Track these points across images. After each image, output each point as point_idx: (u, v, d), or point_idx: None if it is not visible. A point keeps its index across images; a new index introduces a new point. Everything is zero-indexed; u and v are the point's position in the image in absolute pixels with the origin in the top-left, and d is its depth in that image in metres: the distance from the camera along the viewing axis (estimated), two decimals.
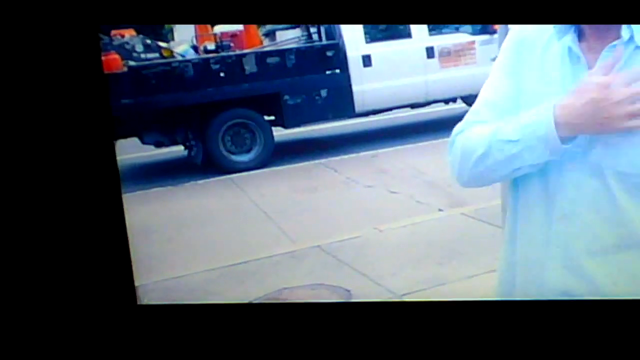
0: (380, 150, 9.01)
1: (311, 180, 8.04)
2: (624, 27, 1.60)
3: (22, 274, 2.15)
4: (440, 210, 6.47)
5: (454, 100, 10.39)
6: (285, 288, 5.09)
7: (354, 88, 9.62)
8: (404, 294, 4.82)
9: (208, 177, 8.77)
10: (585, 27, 1.67)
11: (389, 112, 10.26)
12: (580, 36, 1.68)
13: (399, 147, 8.99)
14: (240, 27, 10.20)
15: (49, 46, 1.98)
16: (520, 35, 1.81)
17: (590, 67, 1.63)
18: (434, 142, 8.60)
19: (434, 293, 4.77)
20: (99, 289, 2.13)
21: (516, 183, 1.77)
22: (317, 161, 8.93)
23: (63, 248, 2.13)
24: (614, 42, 1.61)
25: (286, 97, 9.46)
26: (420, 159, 8.16)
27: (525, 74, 1.76)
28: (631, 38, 1.61)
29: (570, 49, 1.68)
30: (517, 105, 1.76)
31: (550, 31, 1.73)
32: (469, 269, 5.06)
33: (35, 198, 2.10)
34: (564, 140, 1.61)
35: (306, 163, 8.95)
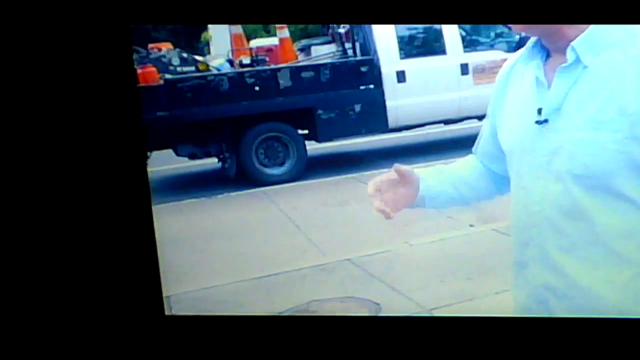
0: (412, 166, 8.81)
1: (343, 194, 8.04)
2: (569, 49, 1.73)
3: (51, 284, 2.19)
4: (471, 225, 6.48)
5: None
6: (314, 300, 5.10)
7: (388, 104, 9.63)
8: (432, 308, 4.82)
9: (241, 190, 8.82)
10: (551, 50, 1.82)
11: (422, 128, 10.27)
12: (548, 57, 1.83)
13: (431, 162, 8.74)
14: (275, 41, 10.26)
15: (81, 54, 2.02)
16: (507, 65, 2.01)
17: (550, 86, 1.79)
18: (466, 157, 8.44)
19: (463, 308, 4.77)
20: (128, 299, 2.17)
21: (511, 193, 1.96)
22: (349, 175, 8.96)
23: (92, 258, 2.16)
24: (564, 64, 1.75)
25: (320, 111, 9.49)
26: None
27: (508, 98, 1.95)
28: (577, 59, 1.74)
29: (536, 75, 1.84)
30: (494, 137, 2.03)
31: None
32: (498, 285, 5.02)
33: (67, 208, 2.13)
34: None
35: (338, 177, 8.98)
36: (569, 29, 1.75)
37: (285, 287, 5.42)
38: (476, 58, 10.00)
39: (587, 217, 1.76)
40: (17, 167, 2.11)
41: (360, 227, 6.69)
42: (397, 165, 2.05)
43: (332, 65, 9.71)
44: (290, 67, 9.63)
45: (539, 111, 1.79)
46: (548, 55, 1.84)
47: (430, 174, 2.12)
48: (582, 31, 1.74)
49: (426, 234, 6.31)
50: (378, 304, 5.01)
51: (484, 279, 5.24)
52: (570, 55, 1.73)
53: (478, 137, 2.17)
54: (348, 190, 8.21)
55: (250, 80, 9.26)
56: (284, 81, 9.35)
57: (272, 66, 9.73)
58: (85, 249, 2.14)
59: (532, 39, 1.86)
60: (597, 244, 1.77)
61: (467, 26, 10.19)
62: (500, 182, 2.09)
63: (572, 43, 1.73)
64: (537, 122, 1.79)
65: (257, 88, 9.23)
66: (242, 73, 9.40)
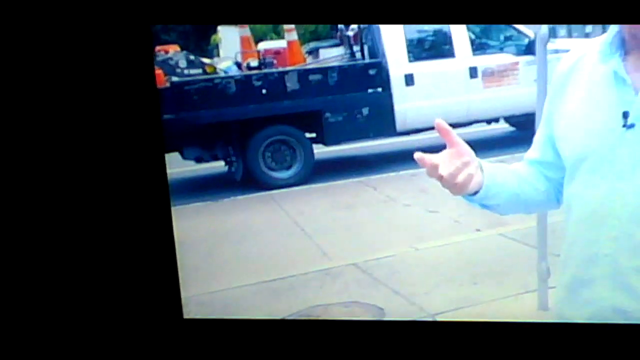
0: (420, 170, 8.73)
1: (350, 198, 8.02)
2: None
3: (68, 286, 2.19)
4: (477, 230, 6.42)
5: (496, 120, 10.31)
6: (318, 305, 5.10)
7: (396, 107, 9.58)
8: (436, 313, 4.80)
9: (247, 193, 8.78)
10: (633, 46, 1.69)
11: (431, 132, 10.07)
12: (626, 54, 1.71)
13: None
14: (283, 44, 10.24)
15: (102, 55, 2.01)
16: (566, 65, 1.86)
17: (636, 88, 1.67)
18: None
19: (468, 313, 4.74)
20: (147, 302, 2.19)
21: (568, 204, 1.83)
22: (356, 179, 8.89)
23: (112, 261, 2.16)
24: None
25: (327, 114, 9.44)
26: None
27: (569, 100, 1.80)
28: None
29: (615, 72, 1.70)
30: (552, 142, 1.87)
31: (596, 56, 1.76)
32: (503, 290, 5.03)
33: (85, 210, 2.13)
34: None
35: (345, 181, 8.91)
36: None
37: (290, 292, 5.41)
38: (485, 61, 9.93)
39: None
40: (38, 169, 2.12)
41: (366, 231, 6.71)
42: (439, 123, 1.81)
43: (340, 68, 9.66)
44: (298, 70, 9.60)
45: (625, 115, 1.67)
46: (625, 54, 1.72)
47: (490, 165, 1.87)
48: None
49: (432, 238, 6.29)
50: (382, 309, 5.00)
51: (490, 284, 5.22)
52: None
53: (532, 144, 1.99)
54: (355, 194, 8.20)
55: (257, 83, 9.22)
56: (292, 84, 9.31)
57: (280, 69, 9.69)
58: (106, 252, 2.17)
59: (610, 34, 1.74)
60: None
61: (477, 29, 10.16)
62: (559, 190, 1.92)
63: None
64: (624, 126, 1.66)
65: (264, 91, 9.19)
66: (250, 76, 9.37)
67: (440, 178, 1.74)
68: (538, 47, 4.67)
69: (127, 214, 2.14)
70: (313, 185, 9.00)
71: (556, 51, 8.57)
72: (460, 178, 1.71)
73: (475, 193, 1.81)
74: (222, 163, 9.60)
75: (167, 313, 2.20)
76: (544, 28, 4.55)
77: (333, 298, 5.26)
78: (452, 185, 1.74)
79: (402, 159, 9.69)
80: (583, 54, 1.83)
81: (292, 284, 5.55)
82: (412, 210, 7.36)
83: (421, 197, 7.48)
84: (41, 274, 2.20)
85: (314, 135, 9.69)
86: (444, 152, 1.77)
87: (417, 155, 1.77)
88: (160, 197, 2.14)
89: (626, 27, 1.69)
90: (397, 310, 4.92)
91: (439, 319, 4.68)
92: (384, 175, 8.84)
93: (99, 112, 2.07)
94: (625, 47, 1.72)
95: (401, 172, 8.70)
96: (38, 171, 2.13)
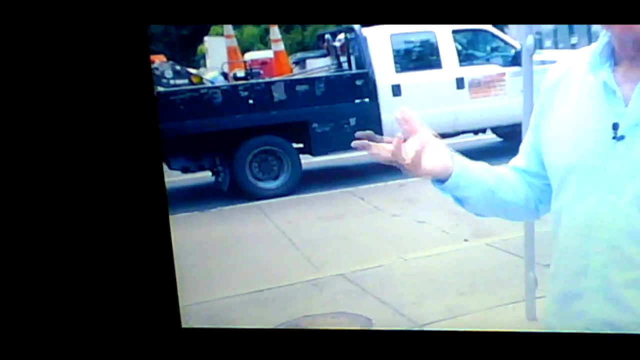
0: (408, 180, 8.75)
1: (338, 208, 8.01)
2: None
3: (66, 294, 2.17)
4: (465, 240, 6.43)
5: (483, 131, 10.34)
6: (306, 316, 5.07)
7: (383, 117, 9.58)
8: (424, 324, 4.78)
9: (234, 204, 8.76)
10: (622, 57, 1.67)
11: None
12: (615, 65, 1.68)
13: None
14: (270, 54, 10.25)
15: (98, 57, 1.99)
16: (554, 75, 1.84)
17: (626, 99, 1.64)
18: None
19: (456, 323, 4.74)
20: (145, 310, 2.15)
21: (557, 216, 1.79)
22: (344, 189, 8.90)
23: (111, 268, 2.14)
24: None
25: (315, 125, 9.44)
26: None
27: (558, 110, 1.78)
28: None
29: (605, 83, 1.68)
30: (537, 153, 1.86)
31: (585, 67, 1.73)
32: (491, 300, 5.04)
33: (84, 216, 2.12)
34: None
35: (333, 191, 8.94)
36: None
37: (277, 302, 5.39)
38: (472, 72, 9.98)
39: None
40: (34, 176, 2.09)
41: (354, 241, 6.71)
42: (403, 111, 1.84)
43: (327, 79, 9.68)
44: (285, 80, 9.61)
45: (615, 126, 1.64)
46: (615, 64, 1.69)
47: (464, 158, 1.85)
48: None
49: (421, 249, 6.28)
50: (370, 319, 4.98)
51: (478, 294, 5.22)
52: None
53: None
54: (343, 205, 8.20)
55: (244, 94, 9.22)
56: (279, 94, 9.31)
57: (266, 79, 9.70)
58: (105, 259, 2.14)
59: (598, 45, 1.72)
60: None
61: (463, 40, 10.20)
62: (540, 200, 1.90)
63: None
64: (614, 138, 1.63)
65: (251, 101, 9.19)
66: (236, 86, 9.38)
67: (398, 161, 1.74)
68: (524, 58, 4.68)
69: (124, 221, 2.13)
70: (301, 196, 9.00)
71: (543, 62, 8.62)
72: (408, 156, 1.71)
73: (444, 181, 1.80)
74: (208, 173, 9.58)
75: (165, 322, 2.18)
76: (530, 39, 4.56)
77: (321, 309, 5.25)
78: (404, 164, 1.73)
79: (390, 169, 9.71)
80: (571, 64, 1.81)
81: (280, 294, 5.52)
82: (400, 220, 7.35)
83: (409, 208, 7.50)
84: (37, 282, 2.19)
85: (301, 145, 9.69)
86: (409, 139, 1.78)
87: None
88: (158, 204, 2.12)
89: (616, 36, 1.67)
90: (385, 321, 4.91)
91: (427, 329, 4.65)
92: (372, 185, 8.82)
93: (94, 116, 2.05)
94: (614, 58, 1.69)
95: (389, 182, 8.69)
96: (32, 178, 2.11)
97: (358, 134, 1.82)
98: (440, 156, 1.79)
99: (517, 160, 1.95)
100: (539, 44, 9.70)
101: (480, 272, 5.62)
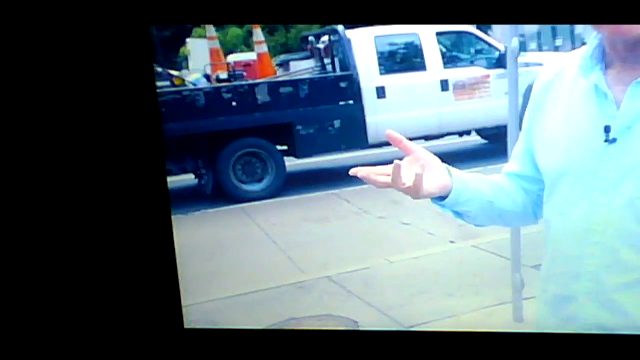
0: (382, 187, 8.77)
1: (323, 211, 7.98)
2: None
3: (68, 294, 2.18)
4: (451, 242, 6.41)
5: (467, 132, 10.35)
6: (292, 319, 5.04)
7: (368, 119, 9.59)
8: (411, 326, 4.76)
9: (218, 206, 8.72)
10: (613, 59, 1.66)
11: None
12: (607, 67, 1.68)
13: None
14: (253, 56, 10.23)
15: (100, 57, 2.00)
16: (546, 78, 1.83)
17: (617, 102, 1.63)
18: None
19: (442, 325, 4.72)
20: (147, 311, 2.19)
21: (548, 219, 1.79)
22: (329, 191, 8.85)
23: (112, 268, 2.16)
24: None
25: (299, 127, 9.42)
26: None
27: (549, 114, 1.78)
28: None
29: (596, 86, 1.67)
30: (531, 157, 1.85)
31: (576, 70, 1.73)
32: (478, 302, 5.03)
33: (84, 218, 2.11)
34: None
35: (318, 193, 8.89)
36: None
37: (262, 305, 5.37)
38: (456, 74, 9.99)
39: None
40: (36, 176, 2.09)
41: (339, 243, 6.70)
42: (389, 133, 1.77)
43: (311, 81, 9.67)
44: (268, 82, 9.58)
45: (606, 129, 1.63)
46: (606, 67, 1.68)
47: (461, 172, 1.83)
48: None
49: (406, 251, 6.27)
50: (356, 321, 4.97)
51: (464, 296, 5.22)
52: None
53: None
54: (328, 207, 8.17)
55: (227, 96, 9.19)
56: (262, 96, 9.28)
57: (250, 81, 9.67)
58: (107, 260, 2.16)
59: (589, 47, 1.71)
60: None
61: (447, 42, 10.22)
62: (538, 204, 1.88)
63: None
64: (605, 140, 1.62)
65: (234, 103, 9.15)
66: (219, 88, 9.34)
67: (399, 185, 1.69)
68: (509, 60, 4.68)
69: (125, 221, 2.14)
70: (285, 198, 8.95)
71: (527, 64, 8.64)
72: (408, 181, 1.66)
73: (444, 198, 1.77)
74: (191, 176, 9.53)
75: (167, 323, 2.20)
76: (515, 41, 4.57)
77: (306, 311, 5.22)
78: (403, 189, 1.68)
79: None
80: (563, 67, 1.80)
81: (265, 297, 5.50)
82: (385, 222, 7.33)
83: (394, 210, 7.46)
84: (38, 282, 2.21)
85: (285, 147, 9.67)
86: (404, 160, 1.72)
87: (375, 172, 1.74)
88: (160, 203, 2.13)
89: (606, 37, 1.66)
90: (371, 323, 4.89)
91: (414, 329, 4.64)
92: (357, 187, 8.62)
93: (96, 116, 2.06)
94: (606, 60, 1.68)
95: None
96: (32, 179, 2.14)
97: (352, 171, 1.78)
98: (438, 176, 1.75)
99: (511, 166, 1.95)
100: (523, 47, 9.74)
101: (466, 274, 5.62)
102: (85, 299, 2.18)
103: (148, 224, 2.12)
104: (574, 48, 1.87)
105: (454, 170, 1.80)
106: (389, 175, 1.67)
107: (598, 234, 1.65)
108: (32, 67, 2.02)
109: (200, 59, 10.82)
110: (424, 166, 1.67)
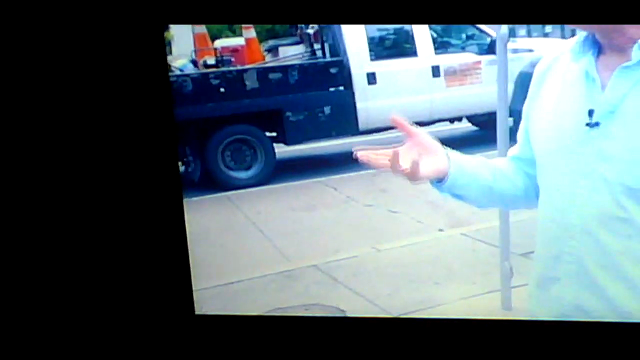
0: (381, 169, 8.74)
1: (310, 199, 7.94)
2: (636, 47, 1.61)
3: (72, 284, 2.28)
4: (440, 230, 6.40)
5: (459, 119, 10.31)
6: (278, 308, 5.02)
7: (358, 105, 9.55)
8: (399, 315, 4.77)
9: (203, 194, 8.67)
10: (605, 46, 1.69)
11: (393, 131, 10.08)
12: (599, 54, 1.71)
13: None
14: (241, 41, 10.16)
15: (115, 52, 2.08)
16: (544, 64, 1.89)
17: (604, 87, 1.66)
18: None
19: (431, 313, 4.74)
20: (158, 298, 2.33)
21: (540, 199, 1.86)
22: (316, 179, 8.81)
23: (125, 257, 2.28)
24: (626, 64, 1.62)
25: (288, 113, 9.37)
26: None
27: (544, 98, 1.83)
28: None
29: (586, 71, 1.71)
30: (529, 140, 1.92)
31: (569, 55, 1.78)
32: (467, 290, 5.05)
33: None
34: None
35: (305, 181, 8.83)
36: (630, 26, 1.63)
37: (248, 295, 5.34)
38: (447, 60, 9.95)
39: (635, 234, 1.63)
40: (52, 164, 2.18)
41: (327, 232, 6.66)
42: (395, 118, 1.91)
43: (301, 67, 9.62)
44: (257, 68, 9.52)
45: (590, 113, 1.67)
46: (599, 52, 1.72)
47: (461, 156, 1.93)
48: None
49: (394, 239, 6.24)
50: (343, 310, 4.96)
51: (453, 284, 5.22)
52: (636, 54, 1.61)
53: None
54: (315, 195, 8.13)
55: (215, 82, 9.13)
56: (251, 82, 9.23)
57: (239, 67, 9.62)
58: (114, 251, 2.26)
59: (582, 34, 1.73)
60: None
61: (439, 28, 10.18)
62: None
63: None
64: (587, 124, 1.67)
65: (222, 89, 9.09)
66: (207, 74, 9.27)
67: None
68: (498, 47, 4.70)
69: (136, 210, 2.21)
70: (271, 186, 8.89)
71: (515, 50, 8.60)
72: (406, 165, 1.77)
73: (442, 181, 1.86)
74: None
75: (178, 309, 2.36)
76: (504, 28, 4.56)
77: (293, 300, 5.22)
78: (402, 172, 1.79)
79: None
80: (561, 53, 1.84)
81: (251, 286, 5.48)
82: (373, 210, 7.29)
83: (382, 198, 7.46)
84: (49, 269, 2.27)
85: (274, 134, 9.62)
86: (405, 144, 1.86)
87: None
88: (172, 192, 2.18)
89: (595, 27, 1.69)
90: (359, 312, 4.89)
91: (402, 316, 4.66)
92: (345, 175, 8.72)
93: (110, 110, 2.11)
94: (599, 46, 1.72)
95: (362, 172, 8.62)
96: (49, 167, 2.18)
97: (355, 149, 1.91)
98: (436, 161, 1.86)
99: (514, 149, 2.02)
100: (512, 33, 9.72)
101: (455, 262, 5.63)
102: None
103: (158, 212, 2.18)
104: (563, 34, 1.92)
105: (454, 154, 1.90)
106: (388, 157, 1.80)
107: (578, 216, 1.70)
108: (48, 64, 2.10)
109: (185, 45, 10.74)
110: (421, 154, 1.81)
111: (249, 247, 6.41)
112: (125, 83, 2.07)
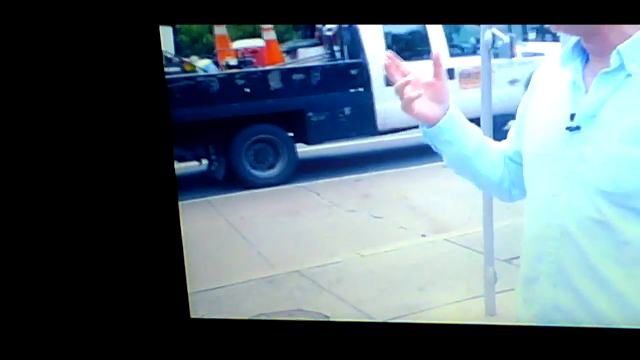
0: (364, 175, 8.92)
1: (293, 204, 7.98)
2: (614, 53, 1.64)
3: (73, 285, 2.25)
4: (423, 235, 6.40)
5: (472, 120, 10.23)
6: (261, 314, 5.05)
7: (377, 106, 9.61)
8: (383, 321, 4.75)
9: (183, 200, 8.66)
10: (590, 52, 1.74)
11: (409, 132, 10.10)
12: (587, 61, 1.75)
13: (383, 172, 8.90)
14: (261, 43, 10.21)
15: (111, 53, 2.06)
16: (542, 68, 1.94)
17: (587, 91, 1.70)
18: (418, 167, 8.49)
19: (415, 319, 4.73)
20: (153, 302, 2.25)
21: (526, 200, 1.90)
22: (299, 184, 8.86)
23: (119, 260, 2.23)
24: (606, 69, 1.66)
25: (310, 114, 9.46)
26: (404, 183, 8.11)
27: (536, 101, 1.88)
28: (621, 66, 1.64)
29: (573, 77, 1.75)
30: (519, 140, 1.95)
31: (558, 60, 1.83)
32: (450, 296, 5.04)
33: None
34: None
35: (288, 186, 8.87)
36: (610, 31, 1.66)
37: (231, 301, 5.38)
38: (462, 63, 9.95)
39: (612, 238, 1.65)
40: (47, 165, 2.16)
41: (310, 237, 6.66)
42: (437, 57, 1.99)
43: (322, 68, 9.69)
44: (281, 69, 9.63)
45: (572, 117, 1.70)
46: (587, 59, 1.75)
47: (459, 118, 1.99)
48: (628, 36, 1.64)
49: (378, 244, 6.24)
50: (327, 316, 4.97)
51: (436, 289, 5.21)
52: (614, 60, 1.64)
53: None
54: (298, 200, 8.15)
55: (240, 82, 9.23)
56: (275, 83, 9.32)
57: (262, 68, 9.70)
58: (113, 251, 2.23)
59: (572, 40, 1.77)
60: (621, 267, 1.66)
61: (453, 31, 10.17)
62: (518, 184, 1.99)
63: (619, 47, 1.63)
64: (568, 128, 1.70)
65: (247, 90, 9.19)
66: (232, 74, 9.39)
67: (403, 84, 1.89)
68: (482, 53, 4.71)
69: (131, 213, 2.22)
70: (254, 191, 8.89)
71: (526, 54, 8.53)
72: (407, 91, 1.88)
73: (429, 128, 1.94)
74: (189, 163, 9.51)
75: (173, 313, 2.25)
76: (488, 34, 4.57)
77: (277, 306, 5.24)
78: (402, 96, 1.88)
79: (346, 164, 9.68)
80: (555, 58, 1.88)
81: (233, 292, 5.50)
82: (356, 216, 7.29)
83: (365, 203, 7.45)
84: (44, 271, 2.25)
85: (293, 134, 9.69)
86: (425, 80, 1.95)
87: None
88: (168, 194, 2.20)
89: (582, 31, 1.73)
90: (343, 317, 4.91)
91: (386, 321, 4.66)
92: (328, 180, 8.80)
93: (107, 110, 2.13)
94: (587, 53, 1.76)
95: (345, 178, 8.74)
96: (44, 169, 2.18)
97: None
98: (434, 106, 1.95)
99: (503, 142, 2.06)
100: (524, 37, 9.60)
101: (438, 268, 5.63)
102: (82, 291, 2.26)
103: (154, 214, 2.20)
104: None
105: (455, 112, 1.97)
106: (405, 76, 1.91)
107: (558, 217, 1.72)
108: (37, 62, 2.09)
109: (164, 45, 10.79)
110: (429, 96, 1.92)
111: (232, 253, 6.44)
112: (123, 83, 2.06)
